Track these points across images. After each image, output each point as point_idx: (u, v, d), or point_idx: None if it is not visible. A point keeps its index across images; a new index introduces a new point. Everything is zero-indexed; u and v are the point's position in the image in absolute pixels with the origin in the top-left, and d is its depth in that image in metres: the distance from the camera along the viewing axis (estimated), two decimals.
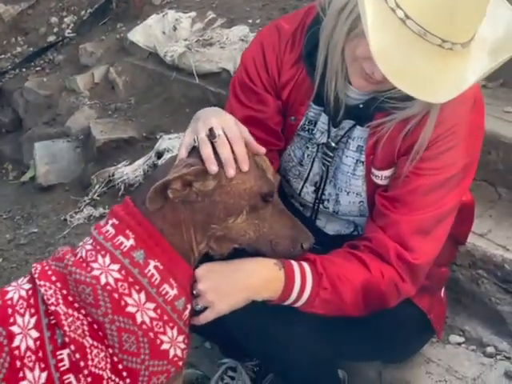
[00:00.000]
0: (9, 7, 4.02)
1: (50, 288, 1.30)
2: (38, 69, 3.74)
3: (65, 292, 1.29)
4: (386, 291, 1.44)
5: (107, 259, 1.30)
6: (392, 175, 1.47)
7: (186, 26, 3.31)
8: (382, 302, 1.45)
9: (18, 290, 1.33)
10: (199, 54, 3.14)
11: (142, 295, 1.29)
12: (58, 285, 1.30)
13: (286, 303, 1.40)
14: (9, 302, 1.31)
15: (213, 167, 1.29)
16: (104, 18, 3.81)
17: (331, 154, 1.53)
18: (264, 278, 1.37)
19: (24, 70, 3.78)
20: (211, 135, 1.31)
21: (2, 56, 3.90)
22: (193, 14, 3.37)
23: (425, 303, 1.61)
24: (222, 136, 1.31)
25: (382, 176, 1.48)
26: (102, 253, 1.30)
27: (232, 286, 1.35)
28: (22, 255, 2.78)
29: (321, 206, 1.60)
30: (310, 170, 1.58)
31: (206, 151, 1.30)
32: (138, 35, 3.40)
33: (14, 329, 1.28)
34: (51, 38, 3.89)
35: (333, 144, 1.53)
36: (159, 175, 1.32)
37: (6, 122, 3.67)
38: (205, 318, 1.36)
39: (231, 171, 1.29)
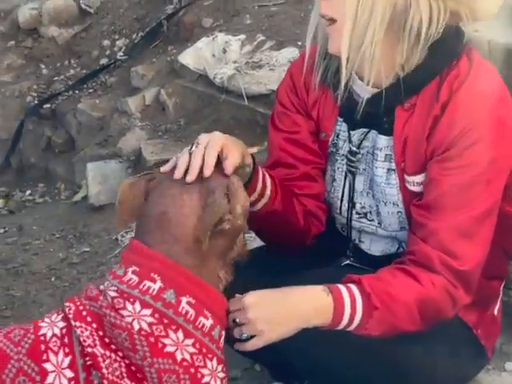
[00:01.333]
0: (63, 30, 4.13)
1: (86, 329, 1.29)
2: (90, 91, 3.83)
3: (101, 333, 1.28)
4: (439, 300, 1.43)
5: (137, 306, 1.28)
6: (424, 181, 1.47)
7: (236, 49, 3.36)
8: (438, 312, 1.44)
9: (51, 327, 1.32)
10: (248, 76, 3.18)
11: (180, 333, 1.28)
12: (94, 326, 1.29)
13: (339, 328, 1.40)
14: (42, 338, 1.30)
15: (177, 174, 1.33)
16: (155, 40, 3.88)
17: (354, 159, 1.56)
18: (313, 305, 1.38)
19: (77, 91, 3.87)
20: (191, 148, 1.37)
21: (56, 78, 4.00)
22: (242, 36, 3.42)
23: (472, 318, 1.59)
24: (200, 147, 1.36)
25: (413, 182, 1.49)
26: (131, 300, 1.29)
27: (283, 315, 1.36)
28: (75, 274, 2.83)
29: (365, 219, 1.61)
30: (344, 184, 1.60)
31: (180, 159, 1.35)
32: (189, 58, 3.46)
33: (47, 366, 1.28)
34: (103, 61, 3.98)
35: (354, 148, 1.55)
36: (168, 210, 1.31)
37: (59, 143, 3.76)
38: (253, 345, 1.37)
39: (188, 177, 1.32)
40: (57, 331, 1.30)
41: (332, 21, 1.45)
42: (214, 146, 1.36)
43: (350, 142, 1.57)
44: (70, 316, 1.31)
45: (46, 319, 1.36)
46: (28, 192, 3.73)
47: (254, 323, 1.34)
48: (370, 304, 1.39)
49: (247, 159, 1.45)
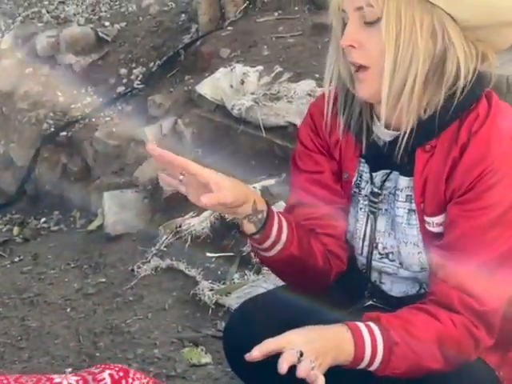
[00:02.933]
0: (80, 58, 4.15)
1: None
2: (107, 119, 3.84)
3: None
4: (460, 339, 1.41)
5: None
6: (443, 222, 1.47)
7: (254, 80, 3.36)
8: (460, 351, 1.42)
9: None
10: (266, 107, 3.18)
11: None
12: None
13: (362, 366, 1.39)
14: None
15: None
16: (172, 69, 3.89)
17: (376, 200, 1.55)
18: (335, 342, 1.37)
19: (93, 119, 3.88)
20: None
21: (73, 106, 4.01)
22: (260, 67, 3.43)
23: (494, 359, 1.55)
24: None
25: (433, 223, 1.48)
26: None
27: (324, 348, 1.36)
28: (90, 305, 2.81)
29: (386, 260, 1.59)
30: (366, 224, 1.58)
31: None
32: (206, 88, 3.46)
33: None
34: (120, 89, 3.99)
35: (375, 189, 1.55)
36: None
37: (75, 171, 3.77)
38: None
39: None
40: None
41: (363, 68, 1.45)
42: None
43: (372, 183, 1.56)
44: None
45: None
46: (43, 220, 3.72)
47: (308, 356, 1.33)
48: (389, 339, 1.38)
49: (260, 205, 1.46)
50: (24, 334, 2.74)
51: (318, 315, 1.50)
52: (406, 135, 1.47)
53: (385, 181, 1.55)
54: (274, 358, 1.40)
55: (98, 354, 2.48)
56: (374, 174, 1.56)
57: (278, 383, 1.40)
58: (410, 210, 1.52)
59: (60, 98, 4.07)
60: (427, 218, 1.49)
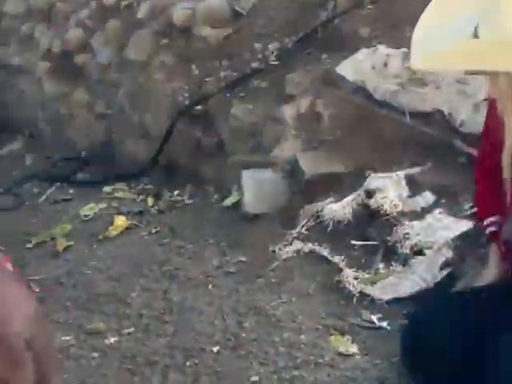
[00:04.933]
0: (215, 31, 4.15)
1: None
2: (241, 94, 3.83)
3: None
4: None
5: None
6: None
7: (398, 63, 3.28)
8: None
9: None
10: (412, 92, 3.10)
11: None
12: None
13: None
14: None
15: None
16: (308, 47, 3.85)
17: None
18: None
19: (228, 94, 3.89)
20: None
21: (207, 79, 4.03)
22: (404, 49, 3.34)
23: None
24: None
25: None
26: None
27: None
28: (232, 284, 2.85)
29: None
30: None
31: None
32: (347, 69, 3.41)
33: None
34: (255, 64, 3.97)
35: None
36: None
37: (209, 145, 3.80)
38: None
39: None
40: None
41: None
42: None
43: None
44: None
45: None
46: (176, 192, 3.79)
47: None
48: None
49: None
50: (167, 307, 2.81)
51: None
52: None
53: None
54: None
55: (243, 335, 2.52)
56: None
57: None
58: None
59: (194, 70, 4.09)
60: None
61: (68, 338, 2.64)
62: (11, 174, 4.37)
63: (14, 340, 1.36)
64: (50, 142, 4.70)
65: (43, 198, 3.97)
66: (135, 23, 4.36)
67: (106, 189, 3.99)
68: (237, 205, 3.41)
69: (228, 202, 3.49)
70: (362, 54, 3.42)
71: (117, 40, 4.38)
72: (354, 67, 3.39)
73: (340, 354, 2.35)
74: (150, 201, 3.74)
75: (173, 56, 4.16)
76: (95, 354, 2.57)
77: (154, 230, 3.44)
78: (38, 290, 3.00)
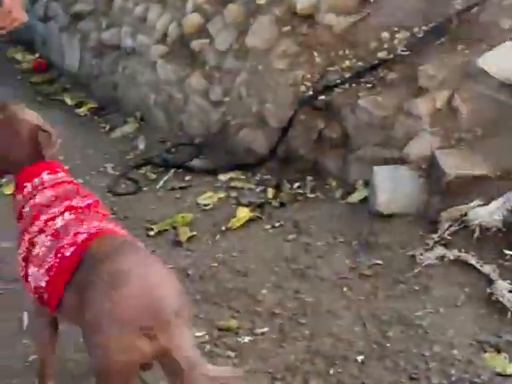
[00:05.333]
0: (340, 19, 3.99)
1: None
2: (368, 86, 3.68)
3: None
4: None
5: None
6: None
7: None
8: None
9: None
10: None
11: None
12: None
13: None
14: None
15: None
16: (441, 37, 3.65)
17: None
18: None
19: (353, 85, 3.73)
20: None
21: (330, 69, 3.89)
22: None
23: None
24: None
25: None
26: None
27: None
28: (369, 288, 2.72)
29: None
30: None
31: None
32: (489, 62, 3.21)
33: None
34: (381, 54, 3.80)
35: None
36: None
37: (332, 138, 3.65)
38: None
39: None
40: None
41: None
42: None
43: None
44: None
45: None
46: (296, 185, 3.67)
47: None
48: None
49: None
50: (300, 308, 2.71)
51: None
52: None
53: None
54: None
55: (388, 345, 2.39)
56: None
57: None
58: None
59: (317, 59, 3.95)
60: None
61: (200, 334, 2.56)
62: (125, 158, 4.33)
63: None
64: (162, 126, 4.63)
65: (160, 184, 3.90)
66: (255, 9, 4.24)
67: (222, 177, 3.90)
68: (364, 202, 3.27)
69: (354, 198, 3.35)
70: (506, 48, 3.22)
71: (236, 26, 4.27)
72: (498, 61, 3.19)
73: (498, 374, 2.19)
74: (271, 192, 3.63)
75: (295, 44, 4.03)
76: (231, 353, 2.48)
77: (277, 224, 3.33)
78: None
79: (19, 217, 2.08)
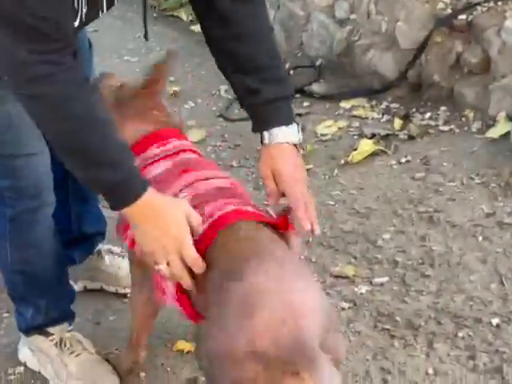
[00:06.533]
0: None
1: None
2: None
3: None
4: None
5: None
6: None
7: None
8: None
9: None
10: None
11: None
12: None
13: None
14: None
15: None
16: None
17: None
18: None
19: (499, 3, 3.27)
20: None
21: None
22: None
23: None
24: None
25: None
26: None
27: None
28: (509, 238, 2.37)
29: None
30: None
31: None
32: None
33: None
34: None
35: None
36: None
37: (472, 63, 3.23)
38: None
39: None
40: None
41: None
42: None
43: None
44: None
45: None
46: (428, 115, 3.28)
47: None
48: None
49: None
50: (426, 257, 2.40)
51: None
52: None
53: None
54: None
55: None
56: None
57: None
58: None
59: None
60: None
61: None
62: None
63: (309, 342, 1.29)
64: (280, 46, 4.29)
65: None
66: None
67: (344, 104, 3.56)
68: (505, 137, 2.87)
69: (493, 132, 2.95)
70: None
71: None
72: None
73: None
74: (398, 123, 3.27)
75: None
76: (345, 305, 2.23)
77: (403, 160, 2.99)
78: None
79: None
